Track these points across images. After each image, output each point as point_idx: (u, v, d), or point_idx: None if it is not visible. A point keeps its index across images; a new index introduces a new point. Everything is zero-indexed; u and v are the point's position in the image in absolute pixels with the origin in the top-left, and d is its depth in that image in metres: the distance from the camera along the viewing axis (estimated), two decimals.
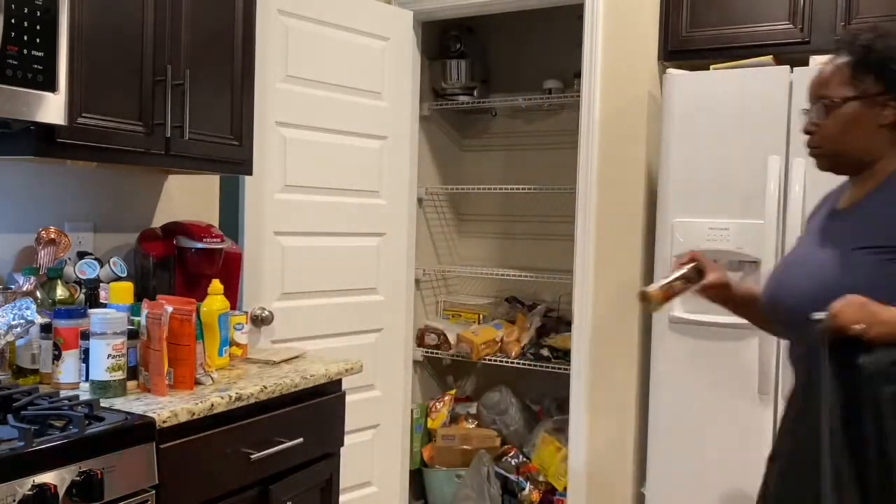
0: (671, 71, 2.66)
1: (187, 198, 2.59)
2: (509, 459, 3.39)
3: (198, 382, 1.86)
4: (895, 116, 1.52)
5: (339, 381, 2.20)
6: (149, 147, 1.98)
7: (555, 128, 3.86)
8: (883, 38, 1.54)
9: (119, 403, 1.68)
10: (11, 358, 1.79)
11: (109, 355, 1.71)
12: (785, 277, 1.66)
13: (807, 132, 1.62)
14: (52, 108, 1.67)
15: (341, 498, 2.29)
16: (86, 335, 1.75)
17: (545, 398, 3.68)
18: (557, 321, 3.63)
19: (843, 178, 1.70)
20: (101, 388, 1.71)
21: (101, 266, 2.09)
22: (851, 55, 1.55)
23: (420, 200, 3.68)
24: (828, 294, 1.42)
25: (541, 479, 3.32)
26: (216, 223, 2.66)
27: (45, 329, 1.78)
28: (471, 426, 3.57)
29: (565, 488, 3.09)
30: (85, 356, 1.76)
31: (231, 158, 2.25)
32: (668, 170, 2.61)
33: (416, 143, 3.49)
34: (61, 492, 1.39)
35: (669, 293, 1.80)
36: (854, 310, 1.37)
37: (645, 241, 2.88)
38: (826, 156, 1.62)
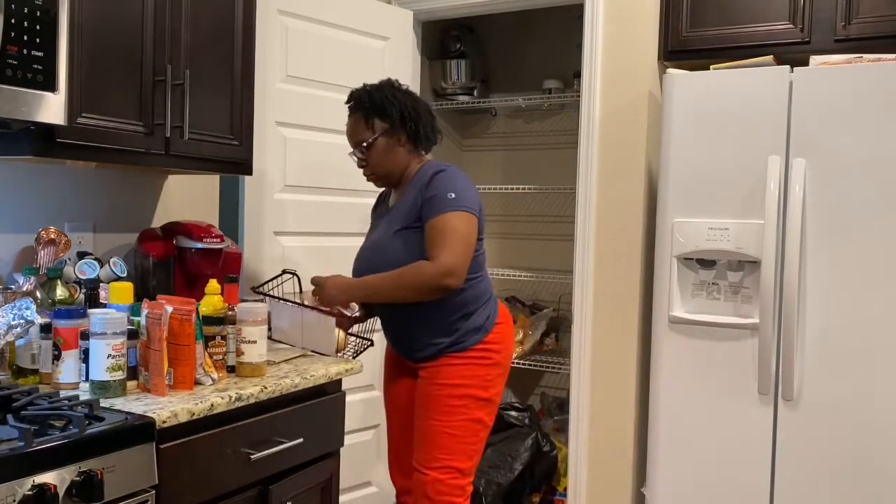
0: (671, 71, 2.66)
1: (187, 198, 2.59)
2: None
3: (198, 382, 1.86)
4: (406, 138, 2.24)
5: (339, 381, 2.20)
6: (149, 147, 1.98)
7: (555, 128, 3.86)
8: (373, 91, 2.26)
9: (119, 403, 1.68)
10: (11, 358, 1.79)
11: (109, 355, 1.71)
12: (369, 256, 2.29)
13: (361, 167, 2.29)
14: (51, 108, 1.67)
15: (341, 498, 2.29)
16: (86, 335, 1.75)
17: (545, 398, 3.68)
18: (558, 321, 3.63)
19: None
20: (101, 388, 1.71)
21: (101, 266, 2.08)
22: (360, 109, 2.26)
23: None
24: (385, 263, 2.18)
25: None
26: (216, 223, 2.66)
27: (45, 329, 1.78)
28: None
29: (565, 488, 3.09)
30: (85, 356, 1.76)
31: (231, 158, 2.25)
32: (668, 170, 2.61)
33: None
34: (61, 492, 1.39)
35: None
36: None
37: (645, 241, 2.88)
38: (379, 178, 2.30)
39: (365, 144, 2.24)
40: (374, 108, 2.24)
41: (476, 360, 2.23)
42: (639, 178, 2.87)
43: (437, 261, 2.08)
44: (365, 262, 2.29)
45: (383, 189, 2.42)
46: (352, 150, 2.29)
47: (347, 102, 2.30)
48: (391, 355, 2.52)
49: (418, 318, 2.22)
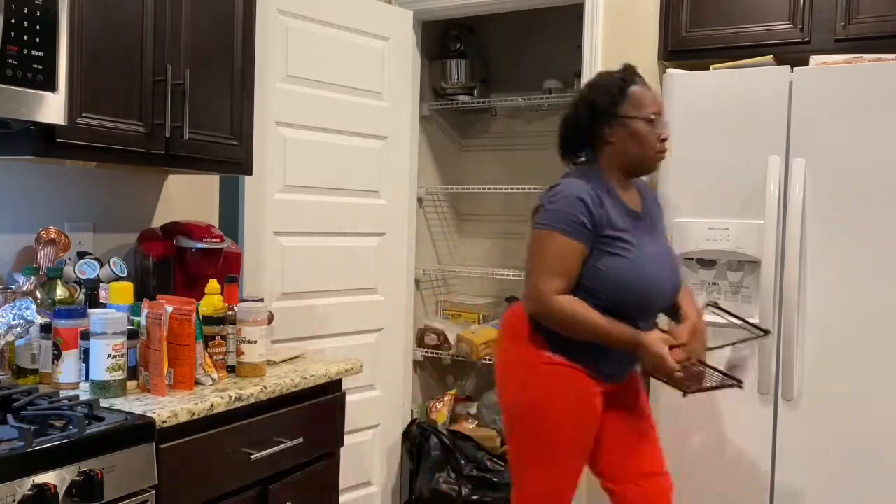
0: (671, 71, 2.66)
1: (187, 198, 2.59)
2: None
3: (198, 382, 1.86)
4: None
5: (339, 381, 2.20)
6: (149, 147, 1.98)
7: (555, 128, 3.83)
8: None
9: (119, 403, 1.68)
10: (11, 358, 1.79)
11: (109, 355, 1.71)
12: (667, 270, 2.09)
13: (664, 139, 2.05)
14: (51, 108, 1.67)
15: (341, 498, 2.29)
16: (86, 335, 1.75)
17: None
18: None
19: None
20: (101, 388, 1.71)
21: (101, 266, 2.08)
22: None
23: (420, 200, 3.68)
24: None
25: None
26: (216, 223, 2.66)
27: (45, 329, 1.78)
28: (471, 426, 3.57)
29: None
30: (85, 356, 1.76)
31: (231, 158, 2.25)
32: (668, 170, 2.61)
33: (416, 143, 3.49)
34: (61, 492, 1.39)
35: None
36: None
37: None
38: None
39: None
40: None
41: None
42: None
43: None
44: (675, 275, 2.14)
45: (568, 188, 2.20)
46: (662, 121, 2.07)
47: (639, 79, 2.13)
48: (595, 389, 2.13)
49: None
